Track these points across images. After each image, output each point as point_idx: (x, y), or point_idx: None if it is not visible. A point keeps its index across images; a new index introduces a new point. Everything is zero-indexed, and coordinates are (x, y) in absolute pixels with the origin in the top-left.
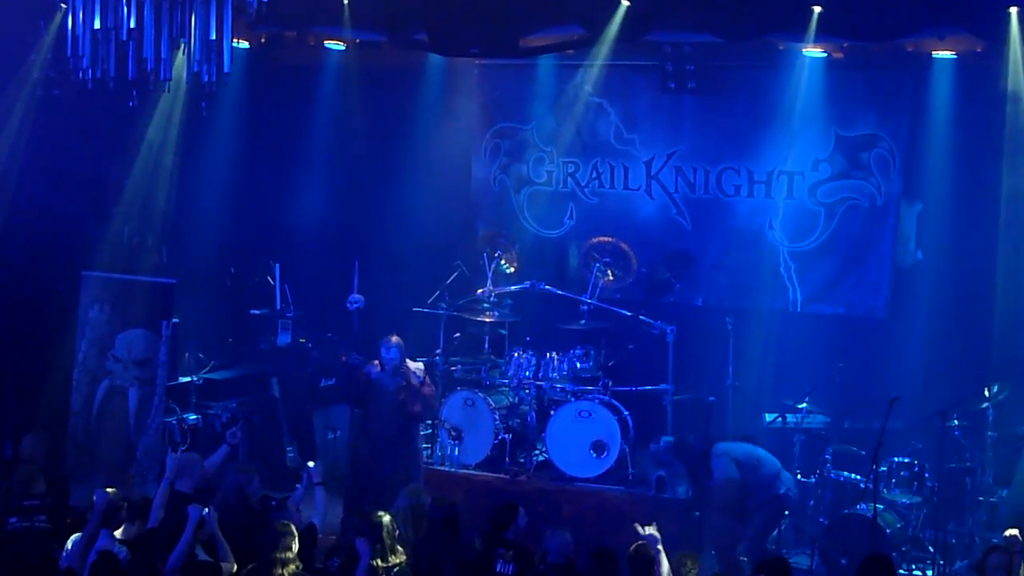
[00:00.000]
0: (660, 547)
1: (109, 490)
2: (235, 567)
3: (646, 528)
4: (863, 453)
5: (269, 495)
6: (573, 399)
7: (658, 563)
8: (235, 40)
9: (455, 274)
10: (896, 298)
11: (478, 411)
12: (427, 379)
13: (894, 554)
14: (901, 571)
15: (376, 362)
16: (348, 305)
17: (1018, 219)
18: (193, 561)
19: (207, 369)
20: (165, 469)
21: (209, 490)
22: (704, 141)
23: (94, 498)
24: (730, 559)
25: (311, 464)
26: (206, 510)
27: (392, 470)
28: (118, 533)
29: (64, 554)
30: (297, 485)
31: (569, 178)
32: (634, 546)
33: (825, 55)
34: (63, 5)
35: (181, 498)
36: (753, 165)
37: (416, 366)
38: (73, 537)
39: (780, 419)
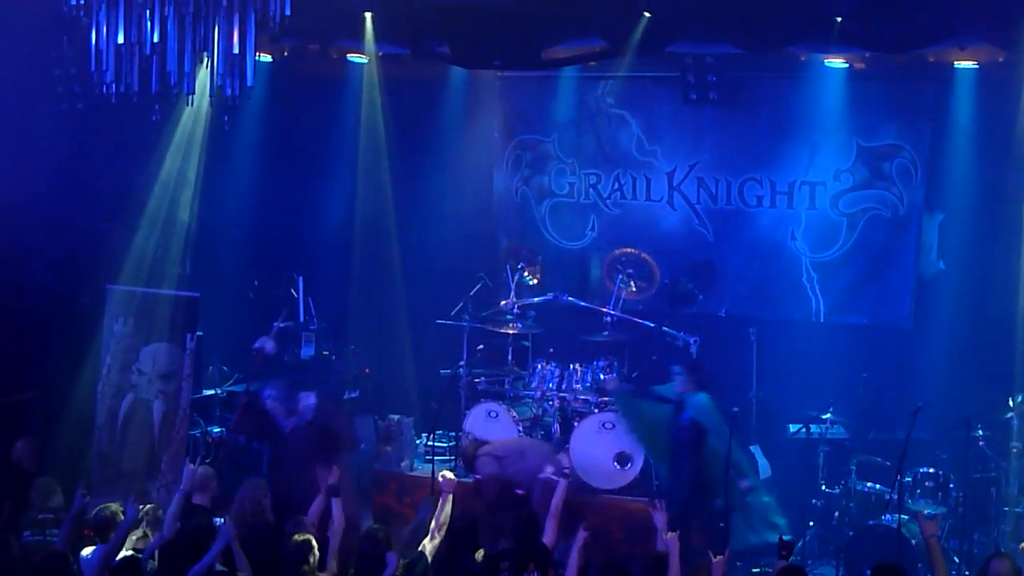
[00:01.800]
0: (675, 553)
1: (149, 506)
2: None
3: (668, 533)
4: (887, 463)
5: None
6: (597, 411)
7: (670, 568)
8: (258, 54)
9: (478, 286)
10: (919, 308)
11: (501, 423)
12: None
13: (919, 565)
14: None
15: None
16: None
17: None
18: (211, 572)
19: (231, 382)
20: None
21: (225, 502)
22: (726, 152)
23: (124, 511)
24: None
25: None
26: (220, 520)
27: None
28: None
29: (82, 564)
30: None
31: (591, 190)
32: (655, 555)
33: (847, 66)
34: (86, 20)
35: (198, 511)
36: (775, 176)
37: (306, 402)
38: (88, 549)
39: (804, 430)
